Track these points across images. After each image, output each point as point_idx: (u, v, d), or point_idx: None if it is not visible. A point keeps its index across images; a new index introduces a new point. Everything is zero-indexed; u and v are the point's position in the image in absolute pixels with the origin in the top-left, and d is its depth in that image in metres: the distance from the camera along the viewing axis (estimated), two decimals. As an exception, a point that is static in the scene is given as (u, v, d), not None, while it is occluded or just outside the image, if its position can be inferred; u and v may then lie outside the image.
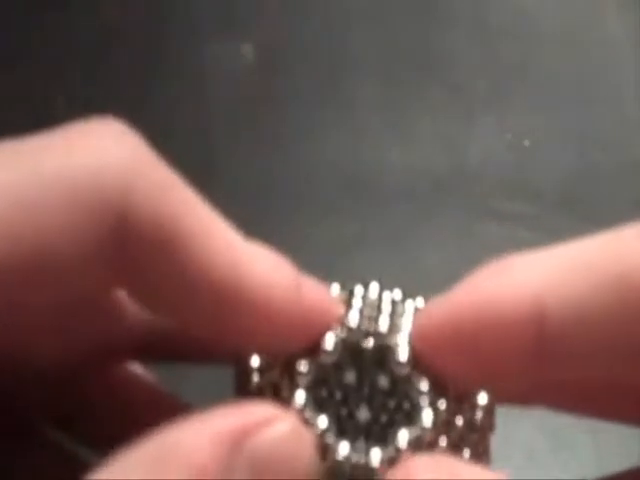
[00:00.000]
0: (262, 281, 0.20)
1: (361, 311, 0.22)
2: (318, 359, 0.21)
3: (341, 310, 0.22)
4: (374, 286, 0.22)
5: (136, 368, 0.26)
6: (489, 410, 0.22)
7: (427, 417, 0.21)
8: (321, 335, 0.21)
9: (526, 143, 0.50)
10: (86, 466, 0.18)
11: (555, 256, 0.21)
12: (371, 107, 0.51)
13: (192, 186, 0.21)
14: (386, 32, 0.54)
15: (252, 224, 0.22)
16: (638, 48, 0.52)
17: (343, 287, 0.22)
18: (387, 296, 0.22)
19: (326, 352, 0.21)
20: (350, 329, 0.22)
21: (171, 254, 0.20)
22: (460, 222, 0.46)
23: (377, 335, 0.22)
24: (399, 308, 0.22)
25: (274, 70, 0.53)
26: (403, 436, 0.21)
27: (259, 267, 0.20)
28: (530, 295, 0.20)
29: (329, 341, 0.21)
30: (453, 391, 0.21)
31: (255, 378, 0.22)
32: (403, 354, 0.21)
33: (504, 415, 0.22)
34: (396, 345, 0.21)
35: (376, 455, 0.21)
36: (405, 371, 0.21)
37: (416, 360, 0.21)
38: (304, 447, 0.19)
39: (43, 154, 0.19)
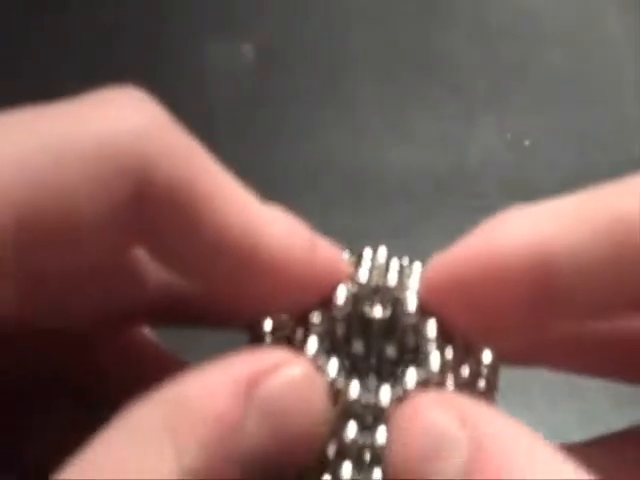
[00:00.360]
0: (278, 242, 0.21)
1: (370, 269, 0.22)
2: (330, 313, 0.22)
3: (351, 270, 0.22)
4: (382, 250, 0.23)
5: (147, 332, 0.26)
6: (493, 368, 0.22)
7: (435, 360, 0.21)
8: (333, 291, 0.22)
9: (526, 143, 0.50)
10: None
11: (553, 208, 0.21)
12: (371, 107, 0.51)
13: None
14: (386, 32, 0.54)
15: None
16: (638, 48, 0.52)
17: (352, 252, 0.23)
18: (395, 259, 0.23)
19: (338, 306, 0.22)
20: (360, 285, 0.22)
21: (188, 216, 0.20)
22: (460, 222, 0.46)
23: (386, 290, 0.22)
24: (406, 270, 0.23)
25: (274, 70, 0.53)
26: (411, 376, 0.21)
27: (275, 228, 0.21)
28: (530, 245, 0.21)
29: (341, 295, 0.22)
30: (460, 342, 0.22)
31: (268, 340, 0.22)
32: (412, 304, 0.22)
33: (505, 406, 0.22)
34: (405, 297, 0.22)
35: (385, 395, 0.21)
36: (413, 321, 0.22)
37: (424, 312, 0.22)
38: (316, 391, 0.20)
39: (58, 121, 0.20)
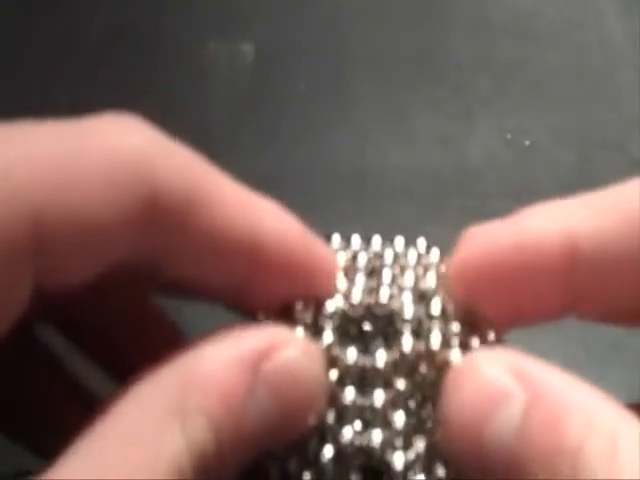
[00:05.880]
0: (277, 235, 0.22)
1: (364, 289, 0.23)
2: (320, 310, 0.23)
3: (342, 279, 0.23)
4: (377, 240, 0.24)
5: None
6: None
7: (435, 339, 0.22)
8: (322, 285, 0.23)
9: (526, 143, 0.50)
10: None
11: (585, 198, 0.22)
12: (371, 107, 0.51)
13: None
14: (386, 32, 0.54)
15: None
16: (638, 48, 0.52)
17: (345, 239, 0.24)
18: (389, 254, 0.23)
19: (327, 316, 0.23)
20: (352, 305, 0.23)
21: (193, 219, 0.21)
22: (460, 222, 0.46)
23: (378, 306, 0.23)
24: (401, 260, 0.23)
25: (274, 70, 0.53)
26: (407, 342, 0.22)
27: (273, 223, 0.22)
28: (559, 230, 0.21)
29: (330, 308, 0.23)
30: (467, 319, 0.22)
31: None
32: (408, 312, 0.22)
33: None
34: (401, 306, 0.22)
35: (381, 357, 0.22)
36: (410, 328, 0.22)
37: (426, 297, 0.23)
38: (315, 363, 0.21)
39: (74, 134, 0.21)
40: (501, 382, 0.20)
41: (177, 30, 0.54)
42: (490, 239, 0.22)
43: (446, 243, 0.24)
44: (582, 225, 0.21)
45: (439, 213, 0.47)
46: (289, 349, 0.21)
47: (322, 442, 0.22)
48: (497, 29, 0.54)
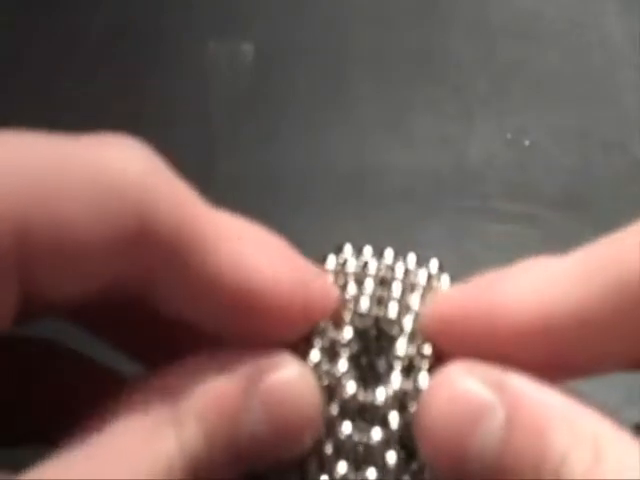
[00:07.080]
0: (270, 279, 0.21)
1: (372, 296, 0.23)
2: (333, 335, 0.22)
3: (353, 286, 0.23)
4: (389, 253, 0.24)
5: None
6: None
7: (423, 380, 0.22)
8: (334, 314, 0.23)
9: (526, 143, 0.50)
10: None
11: (558, 265, 0.21)
12: (371, 107, 0.51)
13: (192, 185, 0.22)
14: (386, 32, 0.54)
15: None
16: (638, 48, 0.52)
17: (356, 250, 0.24)
18: (399, 268, 0.23)
19: (344, 344, 0.22)
20: (360, 315, 0.23)
21: (183, 256, 0.21)
22: (460, 222, 0.46)
23: (386, 321, 0.23)
24: (412, 277, 0.23)
25: (274, 70, 0.53)
26: (396, 379, 0.22)
27: (267, 263, 0.21)
28: (533, 312, 0.21)
29: (347, 336, 0.22)
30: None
31: None
32: (401, 349, 0.22)
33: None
34: (398, 334, 0.22)
35: (381, 394, 0.22)
36: (400, 364, 0.22)
37: (419, 339, 0.22)
38: (311, 388, 0.21)
39: (69, 148, 0.20)
40: (481, 394, 0.20)
41: (177, 30, 0.54)
42: (464, 309, 0.22)
43: (446, 243, 0.23)
44: (554, 299, 0.21)
45: (439, 213, 0.47)
46: (286, 370, 0.21)
47: (320, 470, 0.22)
48: (497, 29, 0.54)
